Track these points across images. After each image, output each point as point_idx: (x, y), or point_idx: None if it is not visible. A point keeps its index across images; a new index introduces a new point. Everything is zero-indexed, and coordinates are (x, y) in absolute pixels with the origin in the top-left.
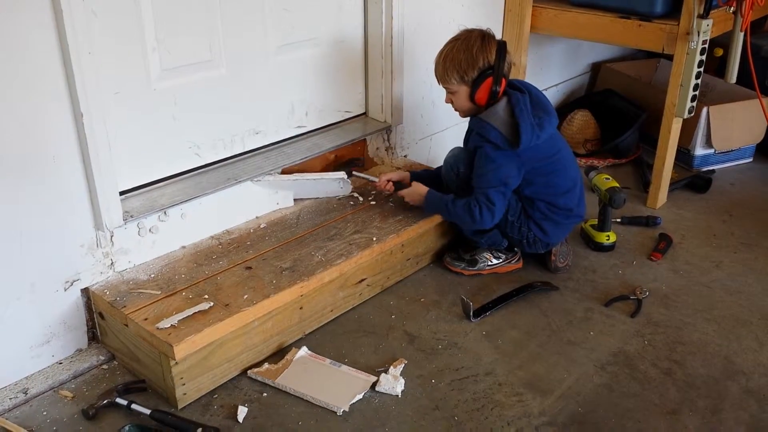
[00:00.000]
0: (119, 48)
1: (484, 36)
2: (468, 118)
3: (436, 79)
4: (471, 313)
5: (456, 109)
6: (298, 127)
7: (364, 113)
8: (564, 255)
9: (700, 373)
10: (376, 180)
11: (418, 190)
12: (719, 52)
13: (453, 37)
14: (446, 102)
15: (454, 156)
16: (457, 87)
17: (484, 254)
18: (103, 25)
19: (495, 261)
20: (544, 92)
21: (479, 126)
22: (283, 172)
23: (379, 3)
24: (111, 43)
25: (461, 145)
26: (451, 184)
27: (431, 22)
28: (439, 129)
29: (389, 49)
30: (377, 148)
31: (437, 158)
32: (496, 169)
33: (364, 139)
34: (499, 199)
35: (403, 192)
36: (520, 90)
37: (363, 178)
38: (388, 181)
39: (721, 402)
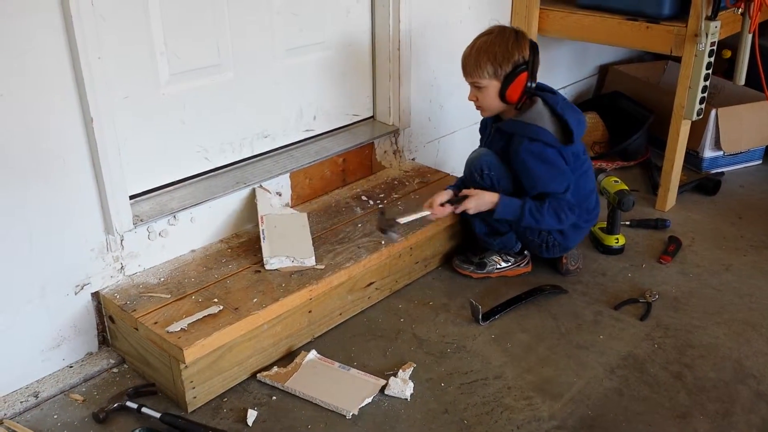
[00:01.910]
0: (128, 53)
1: (518, 32)
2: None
3: (463, 73)
4: (480, 317)
5: (480, 107)
6: (307, 130)
7: (372, 117)
8: (575, 258)
9: (711, 377)
10: (429, 213)
11: (487, 197)
12: (727, 53)
13: (485, 31)
14: (470, 99)
15: (478, 157)
16: (488, 82)
17: (493, 257)
18: (112, 29)
19: (504, 264)
20: None
21: (525, 129)
22: (291, 176)
23: (386, 6)
24: (120, 47)
25: (470, 148)
26: (474, 186)
27: (438, 25)
28: (447, 132)
29: (396, 52)
30: (385, 152)
31: (445, 161)
32: (558, 171)
33: (372, 143)
34: (573, 200)
35: (469, 203)
36: (550, 91)
37: (411, 221)
38: (442, 204)
39: (732, 405)
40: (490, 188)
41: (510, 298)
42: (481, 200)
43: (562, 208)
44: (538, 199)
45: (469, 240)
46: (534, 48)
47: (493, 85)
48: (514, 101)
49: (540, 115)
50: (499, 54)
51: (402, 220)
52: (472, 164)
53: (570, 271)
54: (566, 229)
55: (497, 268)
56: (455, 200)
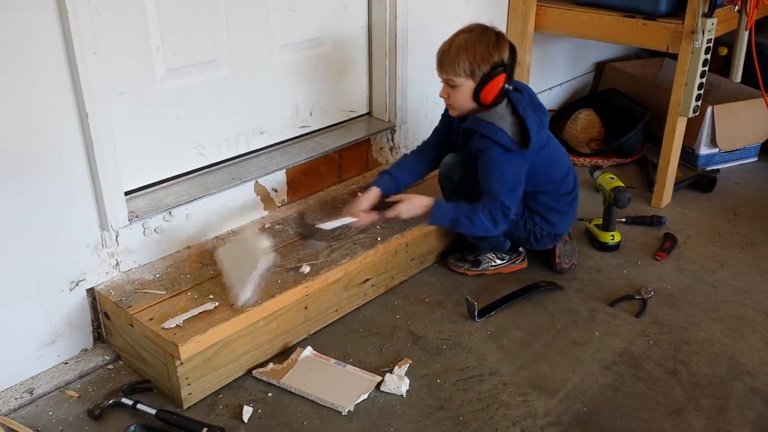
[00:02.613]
0: (124, 48)
1: (498, 33)
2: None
3: (438, 69)
4: (476, 313)
5: (450, 105)
6: (303, 127)
7: (369, 113)
8: (569, 256)
9: (706, 373)
10: (354, 219)
11: (419, 202)
12: (724, 51)
13: (465, 28)
14: (441, 96)
15: (448, 165)
16: (463, 81)
17: (488, 255)
18: (107, 25)
19: (499, 262)
20: (548, 91)
21: (483, 127)
22: (287, 172)
23: (383, 2)
24: (116, 43)
25: None
26: (447, 193)
27: (435, 22)
28: None
29: (393, 49)
30: (381, 148)
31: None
32: (505, 172)
33: (368, 139)
34: (513, 203)
35: (400, 209)
36: (517, 89)
37: (334, 228)
38: (367, 212)
39: (727, 402)
40: (462, 191)
41: (505, 294)
42: (413, 204)
43: (496, 209)
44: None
45: (464, 238)
46: (513, 51)
47: (468, 85)
48: (488, 102)
49: (499, 115)
50: (478, 53)
51: (324, 227)
52: (444, 173)
53: (564, 269)
54: (550, 216)
55: (492, 266)
56: (383, 206)
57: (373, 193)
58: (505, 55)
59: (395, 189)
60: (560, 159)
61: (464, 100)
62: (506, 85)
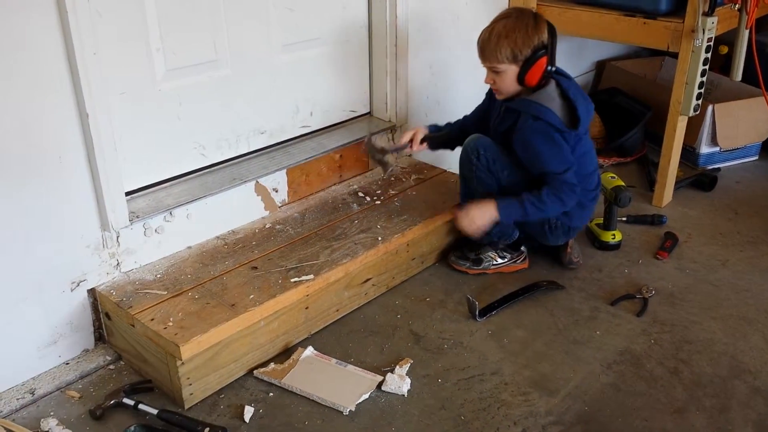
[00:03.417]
0: (124, 48)
1: (536, 15)
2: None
3: (481, 58)
4: (477, 313)
5: (497, 90)
6: (303, 126)
7: (369, 113)
8: (577, 251)
9: (707, 372)
10: (406, 146)
11: (484, 207)
12: (724, 49)
13: (503, 14)
14: (487, 82)
15: (472, 140)
16: (506, 66)
17: (489, 253)
18: (108, 25)
19: (500, 260)
20: None
21: (533, 108)
22: (288, 172)
23: (383, 2)
24: (116, 43)
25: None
26: (466, 170)
27: (435, 20)
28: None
29: (393, 48)
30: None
31: (442, 157)
32: (560, 151)
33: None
34: (574, 180)
35: (473, 215)
36: (565, 76)
37: (396, 151)
38: (418, 141)
39: (728, 401)
40: (485, 169)
41: (507, 294)
42: (480, 213)
43: (562, 189)
44: (538, 181)
45: (465, 236)
46: (552, 30)
47: (511, 70)
48: (533, 84)
49: (550, 97)
50: (519, 39)
51: (390, 149)
52: (467, 146)
53: (573, 262)
54: (572, 208)
55: (493, 264)
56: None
57: (420, 131)
58: (545, 37)
59: (437, 130)
60: (591, 153)
61: (509, 84)
62: (549, 67)
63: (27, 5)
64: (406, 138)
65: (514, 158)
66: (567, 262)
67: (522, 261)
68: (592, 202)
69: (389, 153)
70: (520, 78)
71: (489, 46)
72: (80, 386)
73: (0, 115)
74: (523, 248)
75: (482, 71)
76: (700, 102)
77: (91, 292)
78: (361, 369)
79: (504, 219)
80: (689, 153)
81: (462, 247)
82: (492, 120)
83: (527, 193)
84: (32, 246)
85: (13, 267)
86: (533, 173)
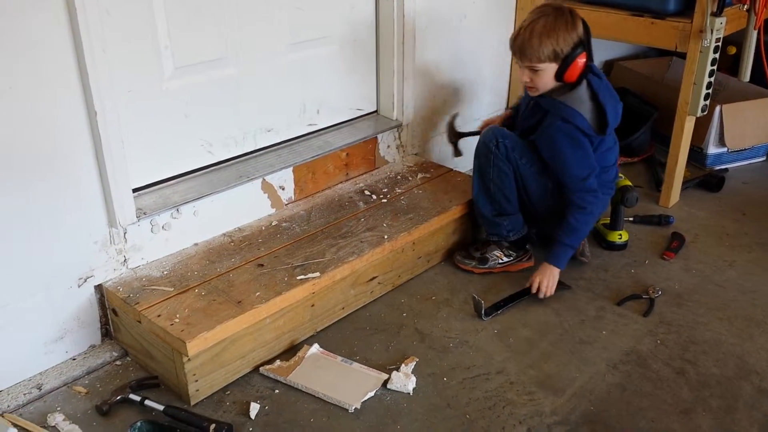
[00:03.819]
0: (132, 46)
1: (570, 11)
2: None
3: (519, 57)
4: (482, 312)
5: (532, 87)
6: (310, 125)
7: (376, 111)
8: (588, 247)
9: (713, 373)
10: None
11: (548, 272)
12: (732, 50)
13: (539, 12)
14: (522, 80)
15: (488, 131)
16: (546, 65)
17: (495, 252)
18: (116, 23)
19: (506, 259)
20: None
21: (563, 110)
22: (294, 170)
23: (390, 1)
24: (124, 41)
25: (473, 143)
26: (482, 160)
27: (442, 20)
28: None
29: (401, 47)
30: (388, 146)
31: (448, 156)
32: (584, 156)
33: (376, 138)
34: (595, 185)
35: (546, 284)
36: (597, 75)
37: (472, 135)
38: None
39: (735, 402)
40: (504, 157)
41: (512, 293)
42: (552, 277)
43: (585, 200)
44: (559, 188)
45: (472, 235)
46: (586, 25)
47: (551, 68)
48: (572, 81)
49: (580, 99)
50: (560, 37)
51: (467, 134)
52: (484, 137)
53: (585, 255)
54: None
55: (499, 263)
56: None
57: (497, 120)
58: (581, 32)
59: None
60: (614, 149)
61: (547, 81)
62: (588, 62)
63: (37, 4)
64: (483, 125)
65: (534, 150)
66: (579, 254)
67: (527, 259)
68: (606, 194)
69: (465, 137)
70: (559, 75)
71: (531, 45)
72: (87, 382)
73: (9, 112)
74: (528, 246)
75: (489, 70)
76: (708, 102)
77: (98, 288)
78: (366, 367)
79: (563, 265)
80: (697, 153)
81: (467, 246)
82: (521, 111)
83: (561, 233)
84: (40, 242)
85: (20, 262)
86: (554, 174)
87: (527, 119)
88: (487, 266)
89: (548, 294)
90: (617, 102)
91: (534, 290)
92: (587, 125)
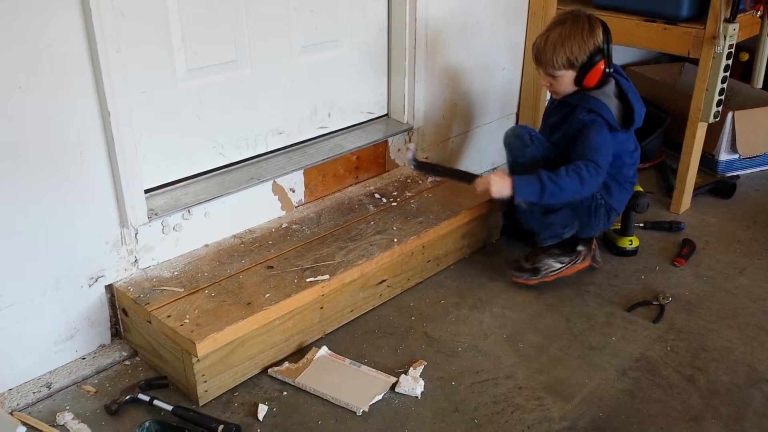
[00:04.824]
0: (146, 48)
1: (590, 18)
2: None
3: (536, 64)
4: (413, 158)
5: (553, 91)
6: (321, 127)
7: (386, 114)
8: (599, 253)
9: (724, 380)
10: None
11: (505, 183)
12: (745, 56)
13: (557, 20)
14: (543, 84)
15: (518, 127)
16: (563, 72)
17: (546, 260)
18: (130, 25)
19: (558, 266)
20: None
21: (592, 102)
22: (305, 173)
23: (402, 4)
24: (138, 42)
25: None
26: (516, 151)
27: (454, 25)
28: (461, 131)
29: (412, 51)
30: (399, 150)
31: (459, 160)
32: (603, 144)
33: (386, 141)
34: (605, 165)
35: (493, 180)
36: (626, 78)
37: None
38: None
39: (745, 410)
40: (536, 151)
41: (459, 170)
42: (500, 184)
43: (584, 167)
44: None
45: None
46: (607, 31)
47: (569, 75)
48: (591, 86)
49: (607, 95)
50: (575, 46)
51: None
52: (515, 133)
53: (596, 260)
54: (611, 186)
55: (552, 271)
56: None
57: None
58: (600, 40)
59: None
60: (636, 152)
61: (567, 86)
62: (607, 69)
63: (52, 5)
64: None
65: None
66: (590, 259)
67: (582, 261)
68: (628, 183)
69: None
70: (578, 81)
71: (545, 54)
72: (96, 381)
73: (24, 112)
74: (580, 248)
75: (501, 74)
76: (720, 109)
77: (109, 288)
78: (374, 370)
79: (519, 193)
80: (708, 160)
81: (518, 259)
82: (546, 110)
83: (547, 172)
84: (52, 241)
85: (32, 262)
86: (571, 155)
87: (552, 115)
88: (539, 276)
89: (485, 194)
90: (642, 106)
91: (479, 187)
92: (612, 117)
